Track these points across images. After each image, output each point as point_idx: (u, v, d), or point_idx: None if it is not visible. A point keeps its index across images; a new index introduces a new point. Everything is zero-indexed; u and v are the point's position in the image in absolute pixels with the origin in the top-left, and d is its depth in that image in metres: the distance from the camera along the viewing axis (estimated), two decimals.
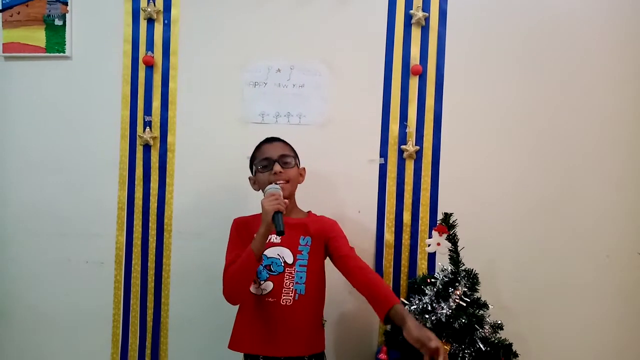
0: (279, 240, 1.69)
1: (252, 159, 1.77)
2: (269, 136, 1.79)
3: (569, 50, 2.02)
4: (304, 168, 1.81)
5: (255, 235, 1.57)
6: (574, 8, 2.02)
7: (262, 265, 1.65)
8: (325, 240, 1.72)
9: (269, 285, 1.64)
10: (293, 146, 1.78)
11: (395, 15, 2.02)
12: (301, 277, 1.66)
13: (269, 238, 1.67)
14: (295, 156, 1.77)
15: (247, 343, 1.65)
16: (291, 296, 1.64)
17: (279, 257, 1.67)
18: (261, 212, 1.55)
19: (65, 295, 2.09)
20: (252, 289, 1.66)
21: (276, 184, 1.64)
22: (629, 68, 2.03)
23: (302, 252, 1.68)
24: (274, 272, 1.65)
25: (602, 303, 2.03)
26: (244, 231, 1.70)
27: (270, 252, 1.67)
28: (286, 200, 1.60)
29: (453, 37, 2.02)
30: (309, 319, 1.67)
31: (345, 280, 1.65)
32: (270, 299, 1.63)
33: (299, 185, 1.78)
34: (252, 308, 1.65)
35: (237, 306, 1.70)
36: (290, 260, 1.67)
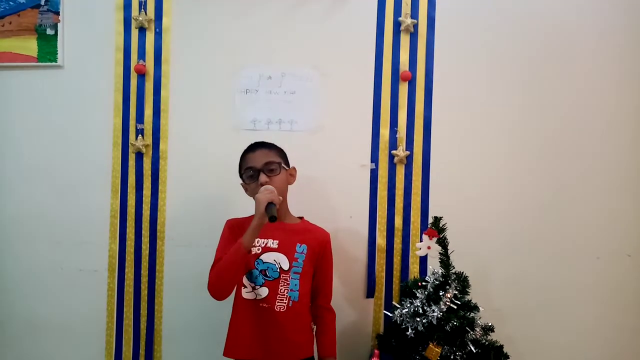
0: (276, 246, 1.69)
1: (239, 168, 1.77)
2: (252, 142, 1.76)
3: (557, 54, 2.05)
4: (294, 168, 1.79)
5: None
6: (562, 13, 2.05)
7: (257, 270, 1.66)
8: (318, 254, 1.74)
9: (264, 291, 1.65)
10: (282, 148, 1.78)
11: (385, 23, 2.05)
12: (295, 285, 1.67)
13: (265, 243, 1.68)
14: (282, 159, 1.74)
15: (243, 349, 1.65)
16: (285, 303, 1.65)
17: (275, 262, 1.67)
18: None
19: (59, 303, 2.09)
20: (247, 294, 1.66)
21: None
22: (619, 72, 2.05)
23: (298, 260, 1.69)
24: (269, 277, 1.66)
25: (592, 304, 2.05)
26: (237, 231, 1.68)
27: (266, 257, 1.68)
28: (280, 197, 1.61)
29: (441, 44, 2.04)
30: (301, 326, 1.69)
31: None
32: (264, 305, 1.64)
33: (291, 187, 1.78)
34: (247, 314, 1.66)
35: (231, 313, 1.70)
36: (286, 266, 1.67)
